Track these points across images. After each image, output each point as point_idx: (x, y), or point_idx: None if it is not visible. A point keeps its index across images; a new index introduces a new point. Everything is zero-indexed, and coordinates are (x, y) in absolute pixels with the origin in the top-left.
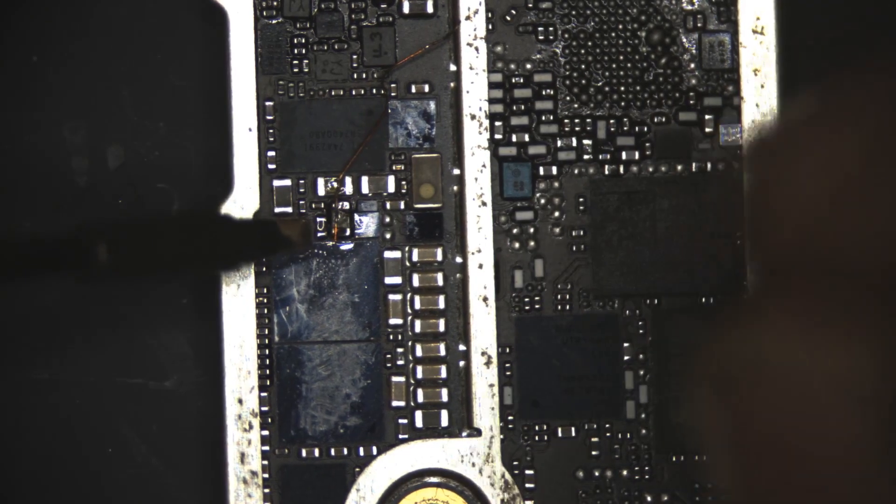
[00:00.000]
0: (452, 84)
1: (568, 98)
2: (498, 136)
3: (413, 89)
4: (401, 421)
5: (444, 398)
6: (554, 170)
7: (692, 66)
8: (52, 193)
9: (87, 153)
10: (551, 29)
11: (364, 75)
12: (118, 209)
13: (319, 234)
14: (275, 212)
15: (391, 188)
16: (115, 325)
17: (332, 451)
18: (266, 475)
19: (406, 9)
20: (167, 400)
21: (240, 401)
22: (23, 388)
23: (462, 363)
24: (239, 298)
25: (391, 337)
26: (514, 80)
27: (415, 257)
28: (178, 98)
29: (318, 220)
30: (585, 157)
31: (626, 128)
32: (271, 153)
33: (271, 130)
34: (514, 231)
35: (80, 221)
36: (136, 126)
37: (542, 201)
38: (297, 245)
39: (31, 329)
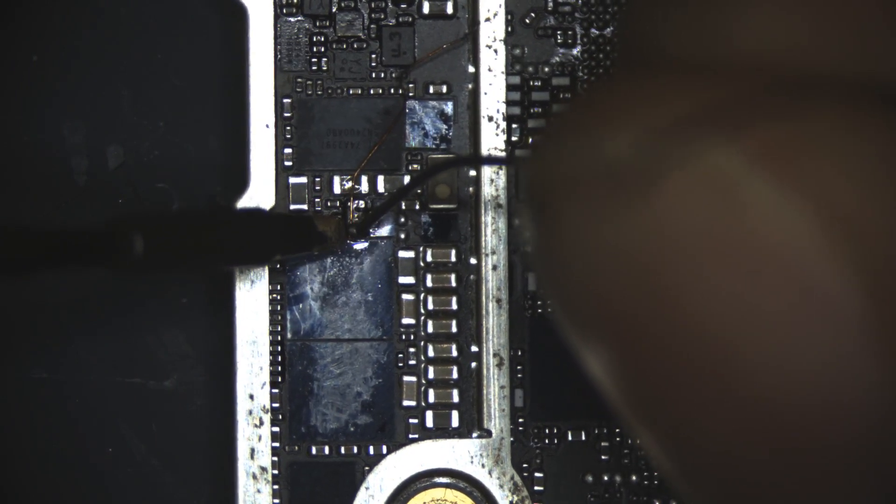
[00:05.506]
0: (470, 85)
1: None
2: (515, 139)
3: (431, 90)
4: (411, 420)
5: (456, 399)
6: None
7: None
8: (52, 193)
9: (86, 153)
10: (570, 33)
11: (382, 75)
12: (137, 204)
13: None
14: (316, 208)
15: None
16: (115, 323)
17: (343, 449)
18: (276, 471)
19: (426, 9)
20: (168, 399)
21: (251, 396)
22: (22, 388)
23: (474, 364)
24: (253, 294)
25: (403, 337)
26: (532, 83)
27: (429, 258)
28: (181, 97)
29: None
30: None
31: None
32: (288, 150)
33: (288, 128)
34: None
35: (115, 212)
36: (137, 126)
37: None
38: (332, 241)
39: (30, 328)
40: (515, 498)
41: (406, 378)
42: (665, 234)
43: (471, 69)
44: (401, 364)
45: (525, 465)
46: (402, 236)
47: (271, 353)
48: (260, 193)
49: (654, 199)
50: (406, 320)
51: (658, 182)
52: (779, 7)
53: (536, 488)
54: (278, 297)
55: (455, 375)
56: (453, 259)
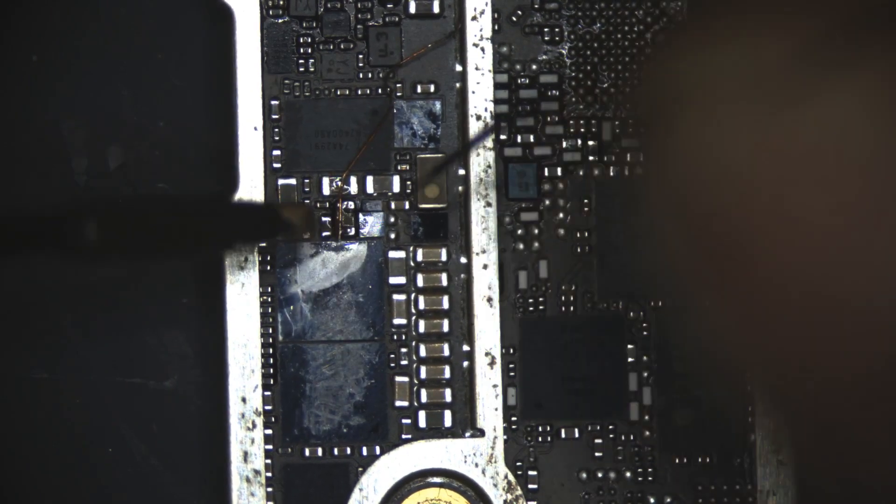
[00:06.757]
0: (458, 84)
1: (574, 99)
2: (503, 137)
3: (418, 89)
4: (404, 421)
5: (448, 398)
6: (559, 171)
7: None
8: (52, 193)
9: (86, 153)
10: (557, 30)
11: (370, 75)
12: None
13: (324, 234)
14: (277, 197)
15: (396, 188)
16: (115, 323)
17: (336, 451)
18: (269, 474)
19: (412, 9)
20: (168, 400)
21: (243, 399)
22: (21, 388)
23: (466, 364)
24: (243, 297)
25: (395, 337)
26: (519, 81)
27: (419, 257)
28: (180, 97)
29: (324, 219)
30: (591, 158)
31: (631, 129)
32: (276, 152)
33: (277, 129)
34: (519, 232)
35: (70, 199)
36: (136, 126)
37: (547, 202)
38: (298, 229)
39: (31, 328)
40: (509, 496)
41: (398, 378)
42: (796, 147)
43: (458, 68)
44: (393, 364)
45: (518, 464)
46: (393, 236)
47: (263, 355)
48: (249, 195)
49: (798, 113)
50: (397, 320)
51: (809, 95)
52: None
53: (530, 486)
54: (269, 300)
55: (447, 375)
56: (444, 258)
